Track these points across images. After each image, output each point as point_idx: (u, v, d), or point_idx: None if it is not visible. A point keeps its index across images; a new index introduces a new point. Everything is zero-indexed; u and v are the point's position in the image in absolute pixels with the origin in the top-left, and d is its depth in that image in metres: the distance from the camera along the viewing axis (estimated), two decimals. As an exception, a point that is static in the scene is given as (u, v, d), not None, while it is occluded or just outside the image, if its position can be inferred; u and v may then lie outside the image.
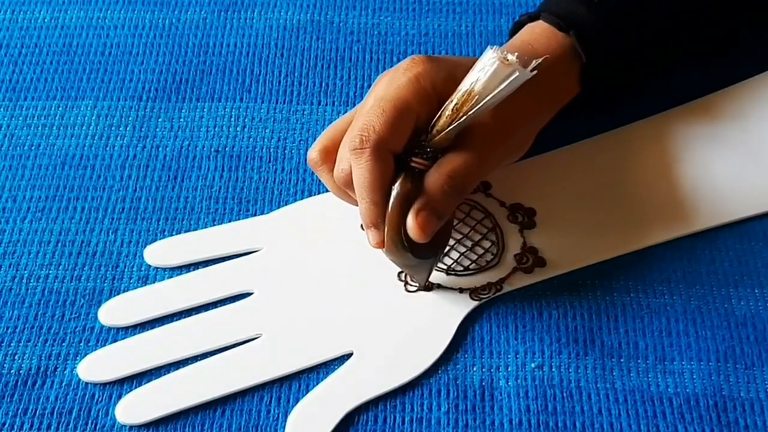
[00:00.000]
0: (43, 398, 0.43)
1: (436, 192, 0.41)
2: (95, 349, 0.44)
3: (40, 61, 0.56)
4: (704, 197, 0.49)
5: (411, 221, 0.41)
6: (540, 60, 0.39)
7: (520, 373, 0.44)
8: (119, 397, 0.43)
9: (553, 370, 0.44)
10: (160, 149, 0.52)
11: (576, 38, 0.46)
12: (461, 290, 0.46)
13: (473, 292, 0.46)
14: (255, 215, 0.49)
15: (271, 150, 0.52)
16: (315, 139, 0.52)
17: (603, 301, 0.46)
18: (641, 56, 0.49)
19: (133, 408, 0.42)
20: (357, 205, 0.43)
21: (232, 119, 0.53)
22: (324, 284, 0.47)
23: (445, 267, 0.47)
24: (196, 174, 0.51)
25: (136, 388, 0.43)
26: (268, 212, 0.49)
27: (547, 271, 0.47)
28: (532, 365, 0.44)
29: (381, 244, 0.42)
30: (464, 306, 0.46)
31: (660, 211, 0.49)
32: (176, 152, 0.52)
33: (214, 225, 0.49)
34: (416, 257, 0.42)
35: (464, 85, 0.40)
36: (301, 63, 0.56)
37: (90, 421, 0.42)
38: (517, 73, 0.39)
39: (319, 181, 0.51)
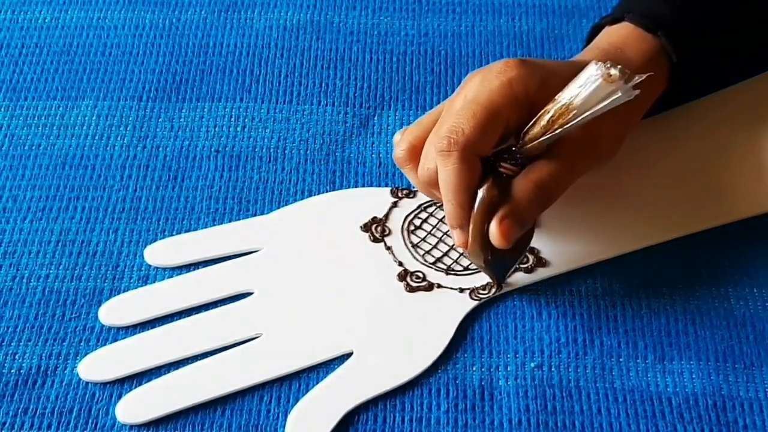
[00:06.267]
0: (43, 398, 0.43)
1: (522, 200, 0.41)
2: (95, 349, 0.44)
3: (40, 61, 0.56)
4: (704, 197, 0.49)
5: (494, 228, 0.41)
6: (643, 77, 0.38)
7: (519, 372, 0.44)
8: (119, 396, 0.43)
9: (553, 369, 0.44)
10: (161, 149, 0.52)
11: (666, 39, 0.46)
12: (461, 290, 0.46)
13: (473, 292, 0.46)
14: (255, 215, 0.49)
15: (271, 150, 0.52)
16: (315, 140, 0.52)
17: (602, 300, 0.46)
18: (726, 53, 0.49)
19: (133, 407, 0.43)
20: (442, 202, 0.43)
21: (233, 119, 0.53)
22: (324, 284, 0.47)
23: (444, 267, 0.47)
24: (197, 174, 0.51)
25: (136, 387, 0.43)
26: (268, 212, 0.50)
27: (547, 270, 0.47)
28: (532, 365, 0.44)
29: (465, 245, 0.43)
30: (464, 306, 0.46)
31: (660, 211, 0.49)
32: (176, 152, 0.52)
33: (214, 225, 0.49)
34: (496, 261, 0.43)
35: (563, 98, 0.40)
36: (301, 63, 0.56)
37: (90, 421, 0.42)
38: (620, 93, 0.38)
39: (319, 181, 0.51)
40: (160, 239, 0.48)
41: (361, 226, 0.49)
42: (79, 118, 0.53)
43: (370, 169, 0.51)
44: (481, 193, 0.42)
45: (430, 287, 0.46)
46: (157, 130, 0.53)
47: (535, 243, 0.48)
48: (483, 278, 0.46)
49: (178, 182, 0.51)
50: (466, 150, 0.41)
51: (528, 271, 0.47)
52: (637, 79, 0.38)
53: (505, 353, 0.45)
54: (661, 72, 0.47)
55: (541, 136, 0.41)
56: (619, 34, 0.47)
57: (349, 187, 0.51)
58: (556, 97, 0.40)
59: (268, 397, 0.43)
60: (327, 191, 0.50)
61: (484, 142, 0.42)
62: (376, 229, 0.49)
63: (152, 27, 0.58)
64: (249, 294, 0.46)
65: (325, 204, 0.50)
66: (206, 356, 0.44)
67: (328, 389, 0.43)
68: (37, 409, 0.43)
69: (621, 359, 0.44)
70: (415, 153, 0.44)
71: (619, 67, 0.38)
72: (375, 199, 0.50)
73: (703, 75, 0.49)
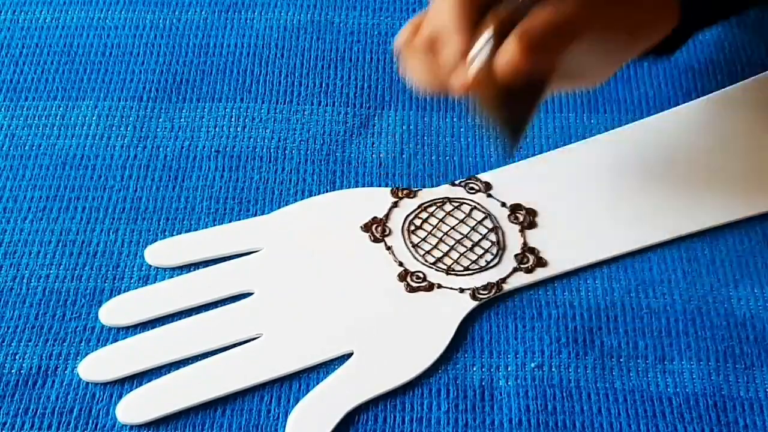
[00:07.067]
0: (43, 398, 0.43)
1: (538, 21, 0.38)
2: (96, 349, 0.44)
3: (41, 62, 0.56)
4: (704, 197, 0.49)
5: (508, 48, 0.38)
6: None
7: (519, 372, 0.44)
8: (120, 396, 0.43)
9: (553, 369, 0.44)
10: (161, 149, 0.52)
11: None
12: (461, 290, 0.46)
13: (473, 292, 0.46)
14: (255, 215, 0.49)
15: (272, 150, 0.52)
16: (315, 140, 0.52)
17: (603, 301, 0.46)
18: None
19: (133, 408, 0.43)
20: (466, 86, 0.39)
21: (233, 119, 0.53)
22: (324, 284, 0.47)
23: (445, 267, 0.47)
24: (197, 174, 0.51)
25: (136, 387, 0.43)
26: (268, 212, 0.50)
27: (548, 270, 0.47)
28: (532, 365, 0.44)
29: (471, 82, 0.39)
30: (464, 306, 0.46)
31: (660, 211, 0.49)
32: (177, 152, 0.52)
33: (214, 225, 0.49)
34: (506, 107, 0.40)
35: None
36: (301, 63, 0.56)
37: (91, 421, 0.42)
38: None
39: (319, 181, 0.51)
40: (161, 239, 0.48)
41: (361, 226, 0.49)
42: (80, 118, 0.53)
43: (370, 169, 0.51)
44: (492, 23, 0.39)
45: (430, 287, 0.46)
46: (158, 130, 0.53)
47: (535, 243, 0.48)
48: (483, 278, 0.46)
49: (178, 182, 0.51)
50: None
51: (528, 271, 0.47)
52: None
53: (506, 353, 0.45)
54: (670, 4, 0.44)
55: None
56: None
57: (349, 187, 0.51)
58: None
59: (268, 397, 0.43)
60: (327, 191, 0.50)
61: None
62: (376, 229, 0.49)
63: (153, 27, 0.58)
64: (249, 294, 0.46)
65: (325, 204, 0.50)
66: (206, 356, 0.44)
67: (329, 389, 0.43)
68: (38, 410, 0.43)
69: (621, 359, 0.44)
70: (422, 38, 0.41)
71: None
72: (375, 199, 0.50)
73: (716, 9, 0.47)
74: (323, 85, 0.55)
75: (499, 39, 0.38)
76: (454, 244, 0.48)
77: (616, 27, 0.43)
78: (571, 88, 0.48)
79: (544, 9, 0.39)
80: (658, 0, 0.44)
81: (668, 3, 0.45)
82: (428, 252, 0.48)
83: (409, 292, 0.46)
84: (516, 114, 0.41)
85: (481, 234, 0.48)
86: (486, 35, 0.39)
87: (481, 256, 0.47)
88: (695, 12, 0.46)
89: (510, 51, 0.38)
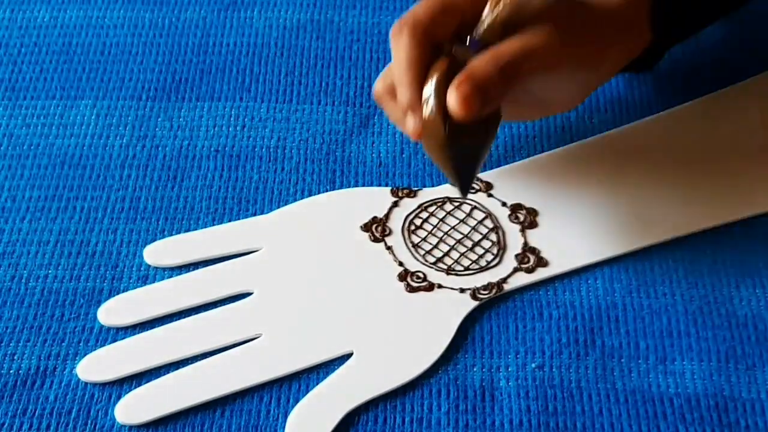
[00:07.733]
0: (42, 398, 0.43)
1: (480, 65, 0.40)
2: (95, 349, 0.44)
3: (39, 61, 0.56)
4: (705, 197, 0.49)
5: (451, 92, 0.40)
6: None
7: (520, 373, 0.44)
8: (119, 397, 0.43)
9: (554, 370, 0.44)
10: (160, 149, 0.52)
11: None
12: (462, 290, 0.46)
13: (473, 292, 0.46)
14: (255, 215, 0.49)
15: (271, 150, 0.52)
16: (315, 139, 0.52)
17: (604, 301, 0.46)
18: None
19: (132, 408, 0.42)
20: (414, 134, 0.42)
21: (232, 119, 0.53)
22: (324, 284, 0.46)
23: (445, 267, 0.47)
24: (196, 174, 0.51)
25: (135, 388, 0.43)
26: (268, 212, 0.49)
27: (548, 270, 0.47)
28: (533, 365, 0.44)
29: (418, 133, 0.42)
30: (464, 306, 0.46)
31: (661, 211, 0.49)
32: (176, 152, 0.52)
33: (213, 225, 0.49)
34: (456, 152, 0.41)
35: None
36: (301, 62, 0.56)
37: (89, 422, 0.42)
38: None
39: (319, 180, 0.51)
40: (160, 239, 0.48)
41: (361, 226, 0.48)
42: (78, 117, 0.53)
43: (370, 168, 0.51)
44: (435, 74, 0.41)
45: (430, 287, 0.46)
46: (157, 129, 0.53)
47: (535, 243, 0.47)
48: (484, 278, 0.46)
49: (177, 182, 0.51)
50: (416, 29, 0.41)
51: (528, 271, 0.47)
52: None
53: (506, 354, 0.44)
54: (641, 18, 0.45)
55: (489, 15, 0.41)
56: None
57: (349, 187, 0.50)
58: None
59: (267, 397, 0.43)
60: (327, 191, 0.50)
61: (435, 24, 0.41)
62: (376, 229, 0.48)
63: (151, 26, 0.58)
64: (249, 294, 0.46)
65: (325, 204, 0.50)
66: (206, 357, 0.44)
67: (328, 390, 0.43)
68: (36, 410, 0.43)
69: (622, 360, 0.44)
70: (393, 89, 0.44)
71: None
72: (375, 199, 0.49)
73: (688, 22, 0.48)
74: (323, 84, 0.55)
75: (443, 89, 0.41)
76: (455, 244, 0.48)
77: (578, 60, 0.44)
78: (546, 115, 0.50)
79: (486, 54, 0.41)
80: (625, 25, 0.45)
81: (636, 25, 0.46)
82: (428, 252, 0.48)
83: (410, 292, 0.46)
84: (466, 159, 0.43)
85: (481, 234, 0.48)
86: (428, 88, 0.41)
87: (481, 256, 0.47)
88: (666, 30, 0.47)
89: (451, 102, 0.40)
